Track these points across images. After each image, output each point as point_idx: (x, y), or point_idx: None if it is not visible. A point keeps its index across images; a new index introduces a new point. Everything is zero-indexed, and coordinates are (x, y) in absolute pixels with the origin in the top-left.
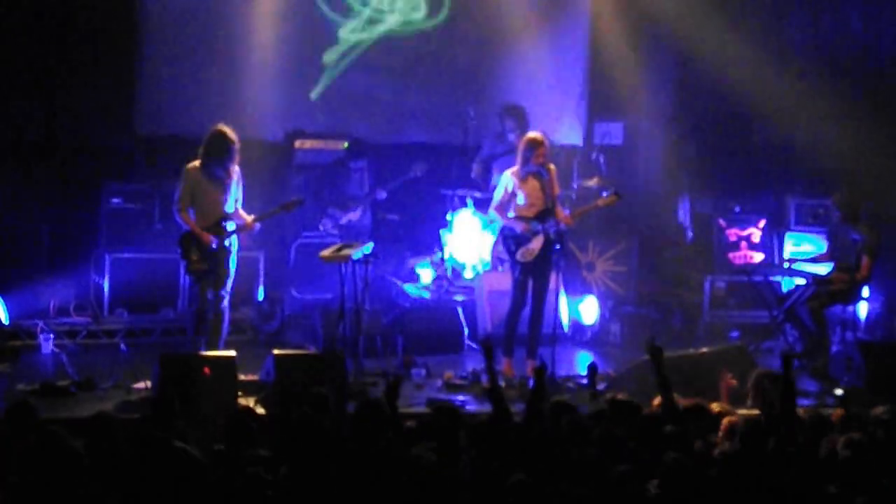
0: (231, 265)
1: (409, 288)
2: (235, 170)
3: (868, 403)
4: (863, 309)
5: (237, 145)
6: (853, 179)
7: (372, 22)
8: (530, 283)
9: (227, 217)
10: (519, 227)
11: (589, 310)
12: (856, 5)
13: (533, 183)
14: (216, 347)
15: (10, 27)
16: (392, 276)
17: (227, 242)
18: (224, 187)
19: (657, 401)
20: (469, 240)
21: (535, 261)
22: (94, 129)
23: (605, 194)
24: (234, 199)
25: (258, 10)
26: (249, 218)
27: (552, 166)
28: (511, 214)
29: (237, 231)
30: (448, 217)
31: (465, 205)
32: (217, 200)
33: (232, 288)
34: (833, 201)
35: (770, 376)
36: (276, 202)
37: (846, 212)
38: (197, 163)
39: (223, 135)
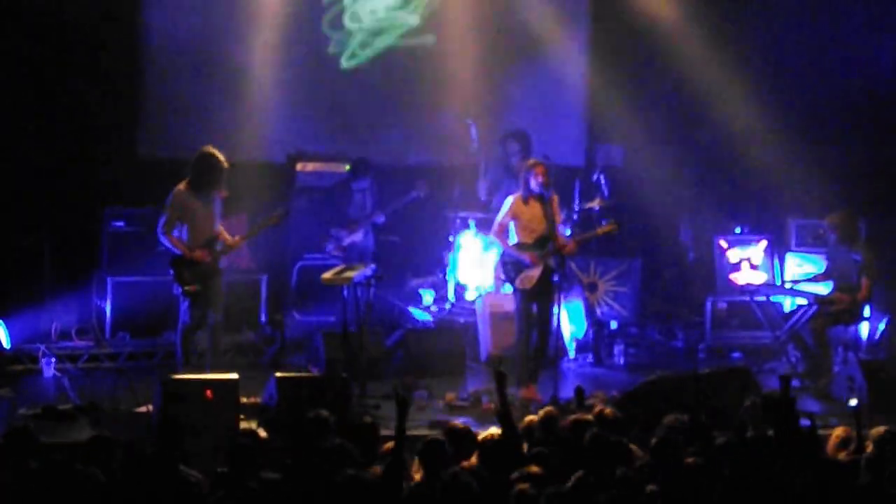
0: (220, 285)
1: (411, 309)
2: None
3: (870, 423)
4: (865, 329)
5: (226, 166)
6: (853, 200)
7: (363, 46)
8: (534, 309)
9: (216, 237)
10: (525, 258)
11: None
12: (855, 30)
13: (535, 208)
14: (214, 367)
15: (13, 50)
16: (394, 298)
17: (218, 262)
18: (213, 207)
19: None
20: (471, 261)
21: (535, 287)
22: (97, 153)
23: (604, 222)
24: (219, 218)
25: (260, 33)
26: (231, 238)
27: (555, 196)
28: (513, 240)
29: (224, 251)
30: (450, 238)
31: (467, 226)
32: (208, 221)
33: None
34: (828, 223)
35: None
36: (277, 226)
37: (842, 233)
38: (185, 184)
39: (213, 156)
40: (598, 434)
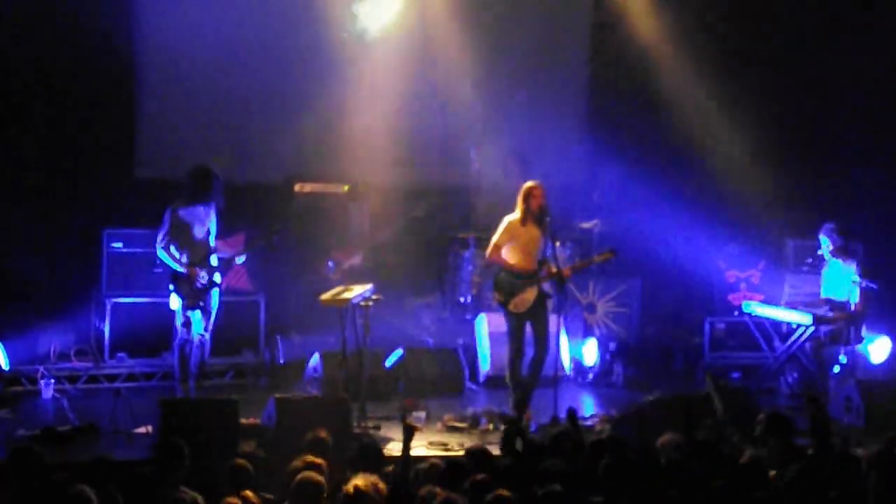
0: (215, 300)
1: (409, 330)
2: (214, 204)
3: (866, 444)
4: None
5: (217, 181)
6: (852, 222)
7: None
8: (526, 331)
9: (211, 251)
10: (520, 279)
11: (590, 351)
12: (853, 54)
13: (531, 231)
14: (196, 378)
15: (10, 73)
16: (393, 319)
17: (214, 277)
18: (207, 223)
19: (663, 439)
20: (470, 282)
21: (528, 310)
22: (95, 174)
23: (602, 249)
24: (214, 234)
25: (256, 54)
26: (230, 251)
27: (549, 219)
28: (509, 261)
29: (221, 266)
30: (449, 259)
31: (465, 247)
32: (203, 236)
33: (215, 323)
34: (824, 232)
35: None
36: (278, 246)
37: (837, 242)
38: (180, 200)
39: (206, 167)
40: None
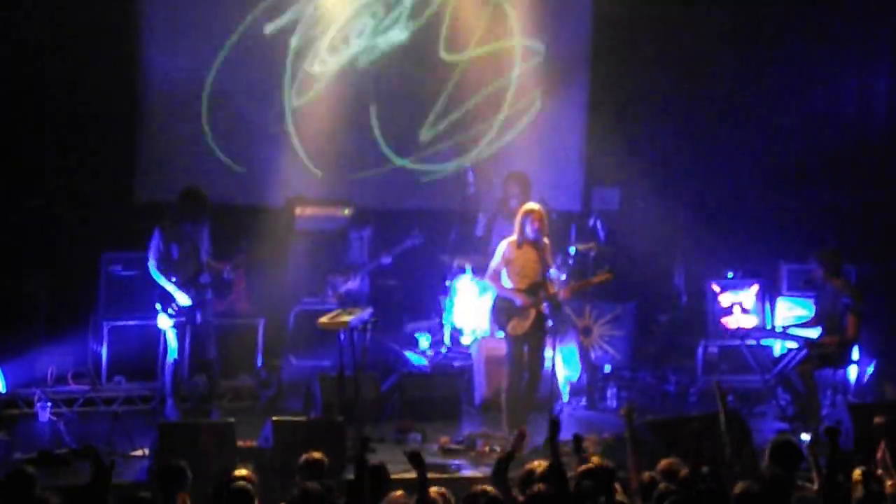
0: (210, 318)
1: (407, 353)
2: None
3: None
4: (853, 372)
5: (207, 201)
6: (843, 245)
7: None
8: (525, 355)
9: (202, 270)
10: (519, 301)
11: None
12: (845, 79)
13: (529, 254)
14: (206, 402)
15: (10, 95)
16: (390, 342)
17: (202, 296)
18: (195, 243)
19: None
20: (467, 305)
21: (526, 334)
22: (93, 198)
23: (600, 270)
24: (203, 253)
25: (256, 77)
26: (216, 266)
27: (546, 240)
28: (506, 285)
29: (212, 283)
30: (446, 283)
31: (463, 271)
32: (192, 256)
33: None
34: (815, 257)
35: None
36: (277, 268)
37: (827, 269)
38: (169, 220)
39: (197, 192)
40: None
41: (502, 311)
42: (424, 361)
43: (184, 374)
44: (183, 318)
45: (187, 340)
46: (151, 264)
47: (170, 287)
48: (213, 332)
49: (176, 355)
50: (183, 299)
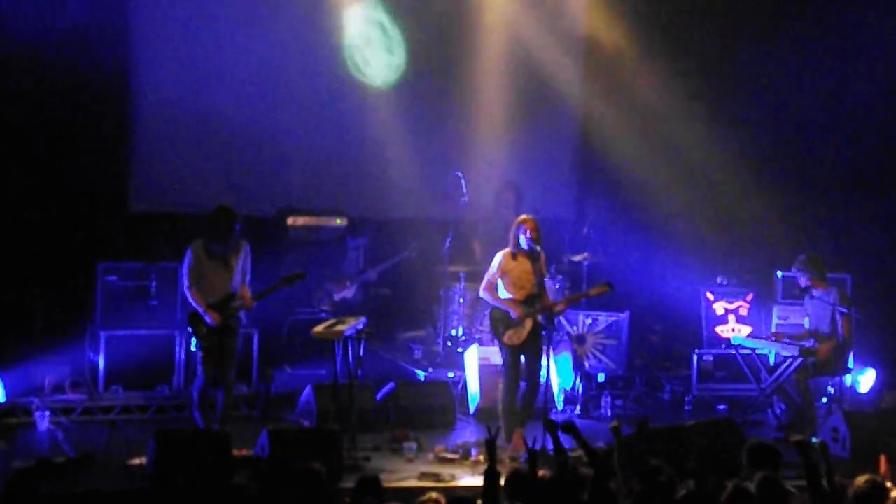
0: (233, 343)
1: (401, 362)
2: (242, 245)
3: (853, 474)
4: (849, 380)
5: (239, 222)
6: (840, 254)
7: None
8: (521, 364)
9: (233, 295)
10: (514, 313)
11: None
12: (845, 87)
13: (523, 264)
14: (219, 422)
15: (3, 108)
16: (385, 352)
17: (231, 321)
18: (228, 265)
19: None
20: (461, 315)
21: (523, 343)
22: (89, 208)
23: (597, 283)
24: (240, 276)
25: (250, 88)
26: (248, 298)
27: (542, 253)
28: (503, 295)
29: (239, 309)
30: (440, 292)
31: (457, 280)
32: (222, 278)
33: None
34: (797, 266)
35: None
36: (269, 279)
37: (813, 273)
38: (200, 241)
39: (226, 212)
40: None
41: (498, 322)
42: (419, 371)
43: (209, 394)
44: (209, 341)
45: (211, 362)
46: (184, 283)
47: (198, 307)
48: (233, 357)
49: (202, 377)
50: (208, 321)
